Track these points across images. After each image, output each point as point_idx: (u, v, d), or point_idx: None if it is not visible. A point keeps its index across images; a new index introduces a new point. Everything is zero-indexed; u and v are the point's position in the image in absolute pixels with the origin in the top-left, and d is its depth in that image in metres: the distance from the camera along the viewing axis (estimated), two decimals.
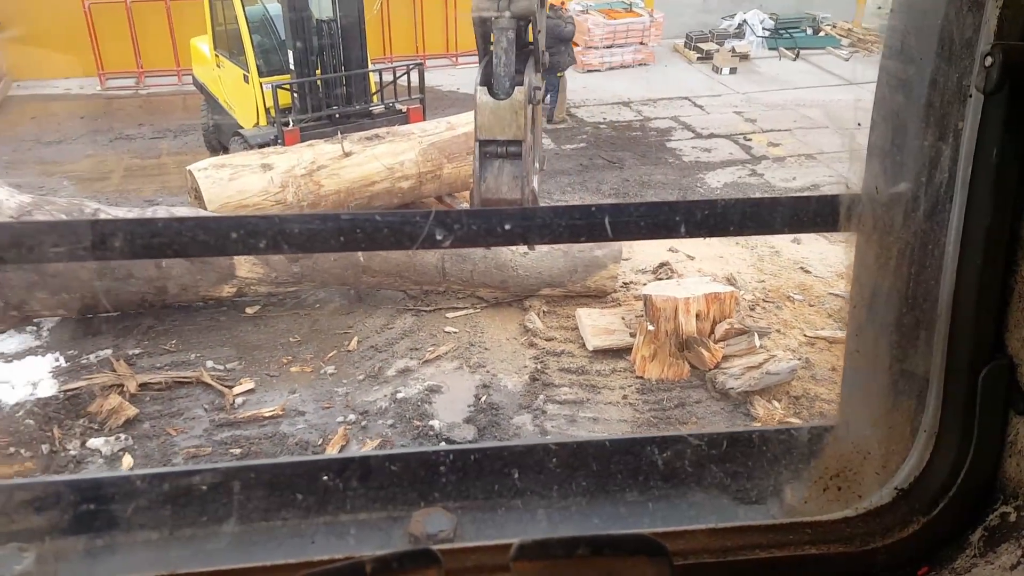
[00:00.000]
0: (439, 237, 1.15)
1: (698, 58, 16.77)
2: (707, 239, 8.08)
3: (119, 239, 1.12)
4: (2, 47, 14.53)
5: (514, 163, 4.65)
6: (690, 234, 1.23)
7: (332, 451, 5.97)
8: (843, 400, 1.42)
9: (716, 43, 17.04)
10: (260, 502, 1.25)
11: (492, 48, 4.71)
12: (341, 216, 1.16)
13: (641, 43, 16.49)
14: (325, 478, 1.26)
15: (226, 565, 1.09)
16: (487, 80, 4.66)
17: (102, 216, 7.33)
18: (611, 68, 16.18)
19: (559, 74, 13.23)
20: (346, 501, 1.26)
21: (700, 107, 14.50)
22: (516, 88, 4.60)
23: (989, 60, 1.02)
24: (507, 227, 1.19)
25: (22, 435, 5.75)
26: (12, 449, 5.63)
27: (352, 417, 6.42)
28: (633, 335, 6.94)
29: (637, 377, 6.70)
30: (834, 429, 1.35)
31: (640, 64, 16.46)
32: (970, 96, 1.07)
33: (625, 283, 7.97)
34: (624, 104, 14.53)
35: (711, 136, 13.18)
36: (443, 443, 5.99)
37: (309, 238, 1.16)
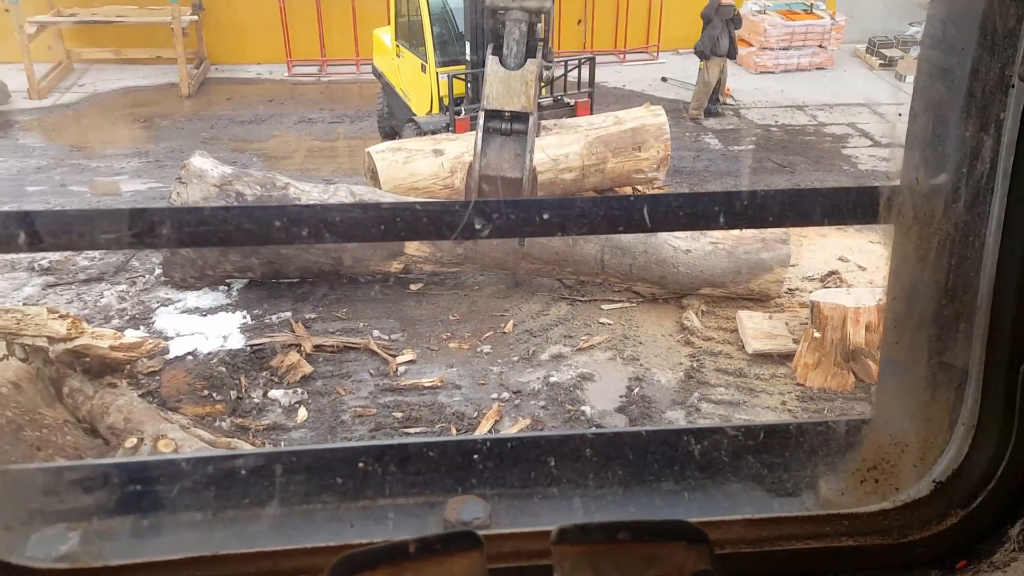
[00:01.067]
0: (478, 226, 1.15)
1: (880, 64, 15.90)
2: (881, 250, 7.65)
3: (167, 227, 1.13)
4: (205, 32, 15.84)
5: (518, 139, 4.51)
6: (729, 225, 1.22)
7: (486, 425, 6.18)
8: (881, 392, 1.39)
9: (901, 49, 16.09)
10: (300, 486, 1.26)
11: (504, 37, 4.57)
12: (382, 205, 1.18)
13: (820, 46, 15.83)
14: (363, 464, 1.27)
15: (267, 547, 1.11)
16: (499, 52, 4.54)
17: (292, 189, 7.90)
18: (786, 70, 15.63)
19: (701, 64, 12.85)
20: (384, 486, 1.27)
21: (880, 115, 13.76)
22: (528, 60, 4.47)
23: None
24: (545, 216, 1.19)
25: (215, 380, 6.32)
26: (206, 392, 6.20)
27: (506, 395, 6.60)
28: (796, 342, 6.73)
29: (797, 384, 6.50)
30: (872, 421, 1.32)
31: (817, 68, 15.80)
32: (1012, 86, 1.04)
33: (790, 289, 7.73)
34: (798, 108, 14.02)
35: (890, 145, 12.49)
36: (593, 428, 6.05)
37: (351, 227, 1.16)
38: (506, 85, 4.46)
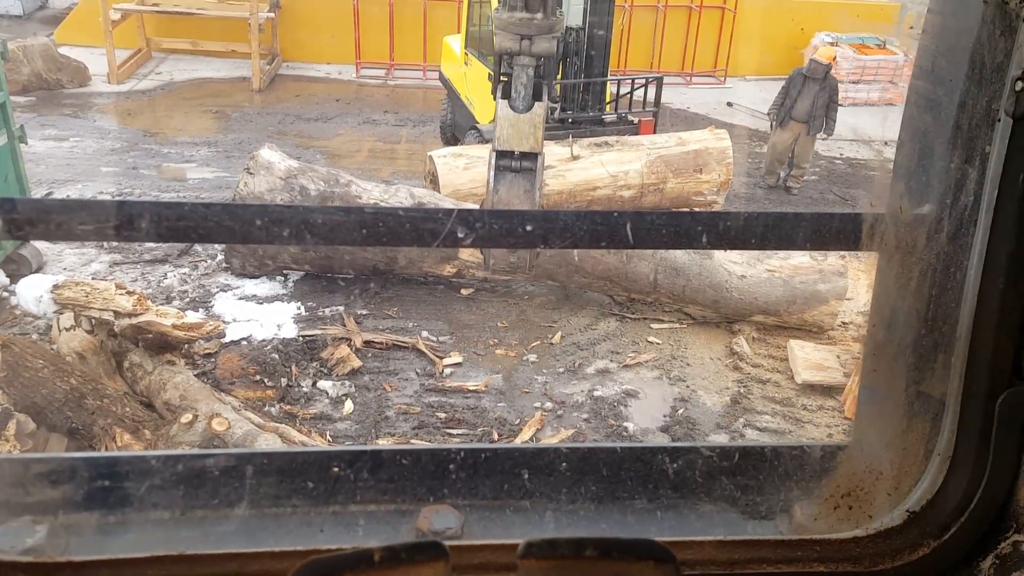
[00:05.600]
0: (460, 235, 1.14)
1: None
2: None
3: (146, 221, 1.10)
4: (280, 29, 16.23)
5: (527, 176, 4.72)
6: (711, 245, 1.22)
7: (528, 433, 6.20)
8: (858, 419, 1.39)
9: None
10: (271, 488, 1.25)
11: (512, 81, 4.84)
12: (365, 209, 1.18)
13: (891, 82, 15.58)
14: (336, 468, 1.26)
15: (235, 548, 1.11)
16: (508, 95, 4.77)
17: (354, 187, 8.06)
18: (854, 104, 15.40)
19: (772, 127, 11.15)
20: (356, 492, 1.26)
21: None
22: (536, 104, 4.68)
23: (1020, 85, 1.01)
24: (528, 228, 1.17)
25: (267, 367, 6.46)
26: (258, 377, 6.34)
27: (549, 405, 6.62)
28: (847, 375, 6.64)
29: (846, 418, 6.40)
30: (847, 448, 1.32)
31: (887, 103, 15.54)
32: (999, 120, 1.05)
33: (844, 323, 7.61)
34: (864, 142, 13.81)
35: None
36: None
37: (332, 229, 1.15)
38: (515, 128, 4.70)
